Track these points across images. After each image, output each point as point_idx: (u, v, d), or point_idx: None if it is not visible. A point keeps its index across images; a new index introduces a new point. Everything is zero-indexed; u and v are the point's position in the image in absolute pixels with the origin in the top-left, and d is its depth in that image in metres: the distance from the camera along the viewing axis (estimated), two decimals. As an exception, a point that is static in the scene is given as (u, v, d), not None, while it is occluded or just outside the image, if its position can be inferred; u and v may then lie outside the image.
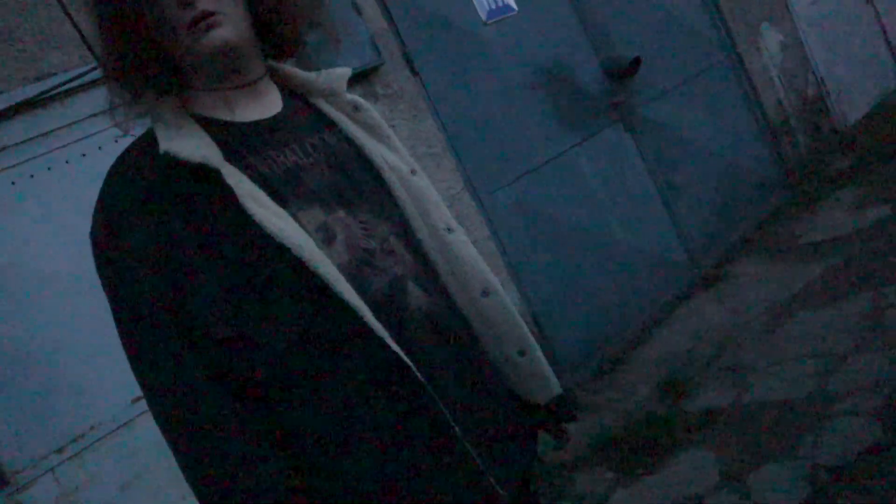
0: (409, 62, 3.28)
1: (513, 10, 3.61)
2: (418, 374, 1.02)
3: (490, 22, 3.53)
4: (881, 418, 2.46)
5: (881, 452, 2.33)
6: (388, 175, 1.18)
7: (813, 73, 5.20)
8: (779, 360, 3.06)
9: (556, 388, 1.26)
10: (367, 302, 1.01)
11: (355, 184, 1.13)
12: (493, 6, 3.55)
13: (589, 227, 3.68)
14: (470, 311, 1.20)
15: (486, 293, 1.19)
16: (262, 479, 0.96)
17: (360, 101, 1.24)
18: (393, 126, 3.21)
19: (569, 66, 3.78)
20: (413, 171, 1.23)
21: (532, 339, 1.25)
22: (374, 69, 3.14)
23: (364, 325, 0.98)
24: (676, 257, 3.98)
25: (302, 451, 1.01)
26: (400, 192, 1.18)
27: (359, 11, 3.10)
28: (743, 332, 3.40)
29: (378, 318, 1.01)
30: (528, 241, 3.48)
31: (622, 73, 3.82)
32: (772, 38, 4.97)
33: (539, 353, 1.24)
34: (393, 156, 1.22)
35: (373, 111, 1.25)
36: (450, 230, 1.20)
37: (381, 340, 1.00)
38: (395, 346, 1.00)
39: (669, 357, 3.47)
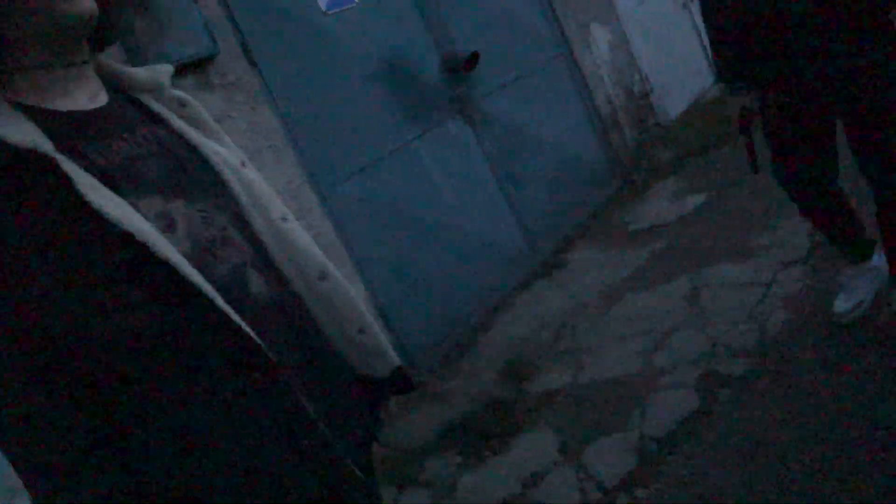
0: (246, 52, 3.19)
1: (353, 0, 3.59)
2: (270, 355, 1.02)
3: (330, 12, 3.50)
4: (698, 389, 2.69)
5: (699, 419, 2.55)
6: (222, 168, 1.17)
7: (639, 71, 5.56)
8: (611, 340, 3.26)
9: (395, 360, 1.30)
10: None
11: (190, 175, 1.12)
12: (333, -4, 3.52)
13: (432, 218, 3.74)
14: (309, 296, 1.22)
15: (322, 277, 1.22)
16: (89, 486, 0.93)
17: (186, 96, 1.21)
18: (231, 117, 3.11)
19: (410, 59, 3.81)
20: (243, 164, 1.22)
21: (370, 317, 1.29)
22: (210, 58, 3.03)
23: (216, 310, 0.98)
24: (517, 246, 4.13)
25: (148, 447, 0.98)
26: (234, 183, 1.18)
27: (191, -2, 2.97)
28: (579, 315, 3.59)
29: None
30: (371, 233, 3.49)
31: (461, 67, 3.91)
32: (601, 37, 5.26)
33: (377, 329, 1.28)
34: (223, 149, 1.22)
35: (199, 107, 1.23)
36: (284, 219, 1.21)
37: (231, 324, 0.99)
38: (247, 329, 1.00)
39: (513, 342, 3.60)
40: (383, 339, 1.29)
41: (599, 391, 2.95)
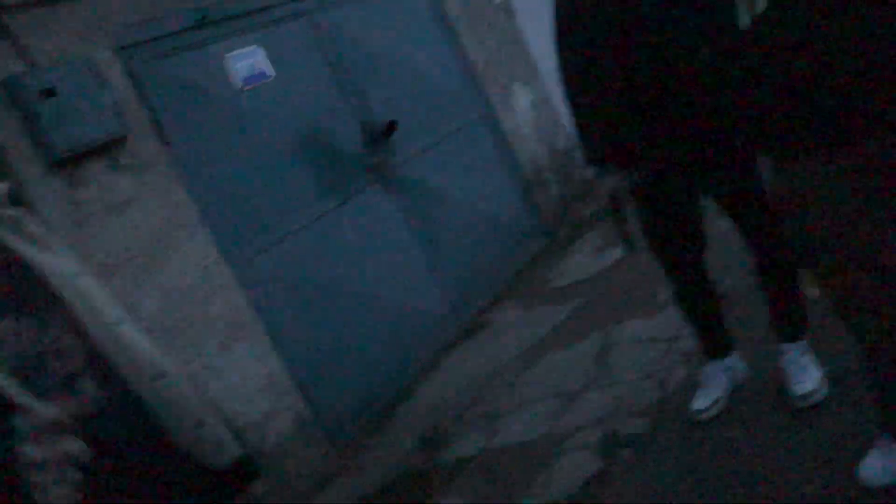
0: (159, 131, 3.25)
1: (269, 75, 3.69)
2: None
3: (246, 88, 3.59)
4: (601, 450, 2.76)
5: (600, 482, 2.62)
6: (55, 280, 1.23)
7: (563, 127, 5.74)
8: (524, 402, 3.33)
9: (235, 450, 1.35)
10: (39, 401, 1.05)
11: (21, 291, 1.17)
12: (250, 73, 3.61)
13: (352, 287, 3.80)
14: (147, 394, 1.27)
15: (158, 377, 1.28)
16: None
17: (20, 214, 1.27)
18: (141, 199, 3.15)
19: (328, 129, 3.91)
20: (78, 274, 1.28)
21: (209, 411, 1.34)
22: (120, 140, 3.08)
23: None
24: (440, 310, 4.20)
25: None
26: (68, 294, 1.24)
27: (100, 79, 3.03)
28: (497, 378, 3.66)
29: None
30: (289, 305, 3.53)
31: (378, 136, 4.02)
32: (524, 97, 5.44)
33: (216, 422, 1.34)
34: (59, 261, 1.27)
35: (36, 222, 1.29)
36: (119, 323, 1.27)
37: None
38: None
39: (431, 408, 3.65)
40: (223, 430, 1.35)
41: (509, 457, 3.00)
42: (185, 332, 3.16)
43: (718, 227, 2.83)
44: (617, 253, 4.47)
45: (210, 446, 1.34)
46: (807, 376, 2.43)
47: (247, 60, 3.56)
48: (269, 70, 3.66)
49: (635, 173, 2.40)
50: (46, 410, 1.08)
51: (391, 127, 4.04)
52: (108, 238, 3.01)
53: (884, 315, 1.68)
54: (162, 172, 3.22)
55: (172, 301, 3.14)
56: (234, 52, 3.53)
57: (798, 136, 1.61)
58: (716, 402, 2.63)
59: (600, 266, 4.40)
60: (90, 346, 1.24)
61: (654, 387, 2.97)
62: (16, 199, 1.31)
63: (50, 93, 2.86)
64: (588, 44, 2.27)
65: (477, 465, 3.06)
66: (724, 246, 3.03)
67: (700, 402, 2.65)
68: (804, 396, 2.41)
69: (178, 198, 3.25)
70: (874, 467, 2.04)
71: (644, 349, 3.25)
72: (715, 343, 2.68)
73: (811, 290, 2.33)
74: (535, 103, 5.54)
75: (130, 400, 1.25)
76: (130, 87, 3.18)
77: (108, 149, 3.05)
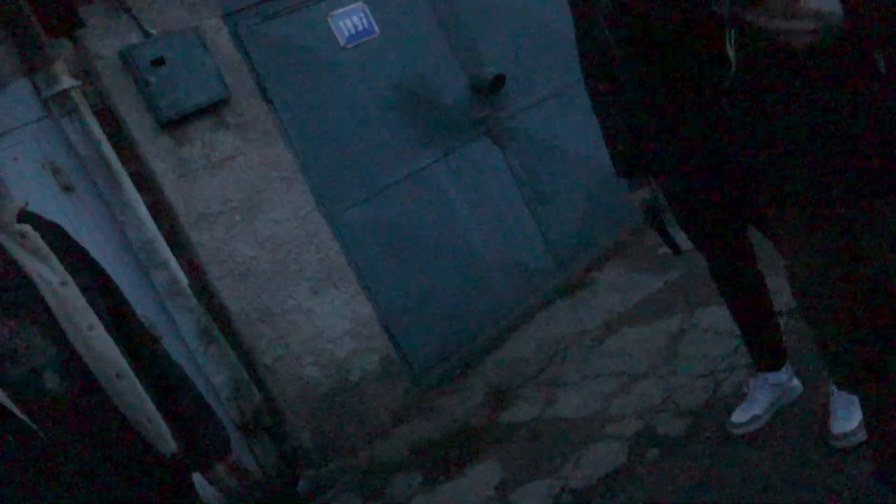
0: (262, 91, 3.50)
1: (374, 32, 3.78)
2: (33, 426, 1.38)
3: (349, 46, 3.72)
4: (631, 445, 2.73)
5: (620, 477, 2.62)
6: (42, 287, 1.52)
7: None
8: (587, 376, 3.32)
9: (171, 445, 1.60)
10: (3, 388, 1.37)
11: (10, 294, 1.48)
12: (354, 31, 3.73)
13: (448, 239, 3.92)
14: (109, 389, 1.55)
15: (118, 376, 1.54)
16: None
17: (27, 229, 1.55)
18: (244, 154, 3.46)
19: (433, 84, 3.95)
20: (64, 283, 1.55)
21: (153, 409, 1.59)
22: (224, 101, 3.37)
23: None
24: (542, 264, 4.20)
25: None
26: (51, 300, 1.52)
27: (205, 47, 3.32)
28: (575, 343, 3.65)
29: (16, 400, 1.36)
30: (381, 254, 3.74)
31: (486, 90, 3.99)
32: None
33: (159, 420, 1.58)
34: (49, 272, 1.55)
35: (36, 237, 1.56)
36: (91, 328, 1.54)
37: (16, 418, 1.36)
38: (24, 417, 1.37)
39: (512, 364, 3.74)
40: (162, 426, 1.60)
41: (555, 431, 3.05)
42: (277, 276, 3.51)
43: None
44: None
45: (157, 438, 1.61)
46: (850, 415, 2.21)
47: (350, 18, 3.67)
48: (374, 27, 3.75)
49: (664, 184, 2.26)
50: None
51: (499, 80, 3.99)
52: (209, 190, 3.37)
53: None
54: (263, 130, 3.49)
55: (267, 248, 3.48)
56: (338, 11, 3.65)
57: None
58: (755, 418, 2.48)
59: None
60: (64, 344, 1.55)
61: (707, 386, 2.84)
62: (28, 217, 1.61)
63: (160, 61, 3.20)
64: (605, 54, 2.14)
65: (526, 431, 3.14)
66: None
67: (739, 416, 2.51)
68: (842, 436, 2.21)
69: (277, 152, 3.52)
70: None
71: (715, 341, 3.09)
72: (762, 355, 2.50)
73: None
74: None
75: (94, 393, 1.55)
76: (235, 51, 3.44)
77: (212, 110, 3.36)
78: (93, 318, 1.55)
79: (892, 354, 1.51)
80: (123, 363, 1.55)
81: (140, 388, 1.57)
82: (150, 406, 1.58)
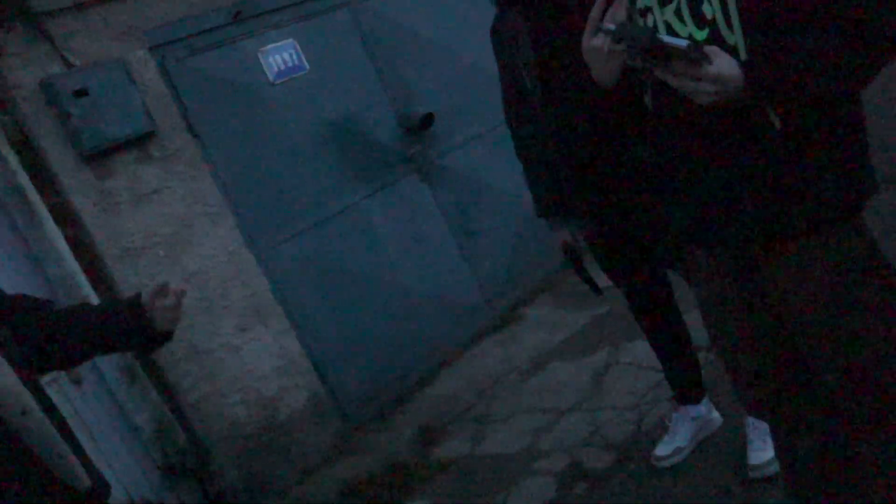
0: (189, 125, 3.45)
1: (304, 68, 3.79)
2: None
3: (279, 82, 3.71)
4: (561, 479, 2.75)
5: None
6: None
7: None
8: (516, 412, 3.34)
9: (86, 481, 1.54)
10: None
11: None
12: (284, 66, 3.73)
13: (378, 275, 3.91)
14: (17, 427, 1.48)
15: (23, 413, 1.48)
16: None
17: None
18: (168, 187, 3.39)
19: (364, 121, 3.98)
20: None
21: (66, 446, 1.53)
22: (150, 134, 3.31)
23: None
24: (472, 301, 4.23)
25: None
26: None
27: (131, 79, 3.26)
28: (504, 379, 3.68)
29: None
30: (311, 291, 3.70)
31: (416, 127, 4.04)
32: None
33: (71, 457, 1.52)
34: None
35: None
36: None
37: None
38: None
39: (442, 401, 3.74)
40: (76, 464, 1.54)
41: (485, 468, 3.05)
42: (204, 313, 3.43)
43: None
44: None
45: (68, 475, 1.54)
46: (766, 445, 2.29)
47: (281, 54, 3.67)
48: (304, 63, 3.75)
49: (582, 225, 2.33)
50: None
51: (428, 119, 4.04)
52: (134, 224, 3.28)
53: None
54: (190, 163, 3.44)
55: (194, 284, 3.40)
56: (269, 46, 3.65)
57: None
58: (678, 450, 2.54)
59: (644, 268, 4.24)
60: None
61: (633, 420, 2.90)
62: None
63: (83, 93, 3.12)
64: (526, 100, 2.21)
65: (457, 468, 3.13)
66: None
67: (662, 449, 2.57)
68: (757, 467, 2.29)
69: (204, 187, 3.46)
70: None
71: (639, 375, 3.16)
72: (682, 388, 2.57)
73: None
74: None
75: (8, 432, 1.48)
76: (162, 84, 3.38)
77: (137, 143, 3.29)
78: None
79: (796, 385, 1.59)
80: (29, 400, 1.50)
81: (48, 423, 1.51)
82: (59, 441, 1.52)
